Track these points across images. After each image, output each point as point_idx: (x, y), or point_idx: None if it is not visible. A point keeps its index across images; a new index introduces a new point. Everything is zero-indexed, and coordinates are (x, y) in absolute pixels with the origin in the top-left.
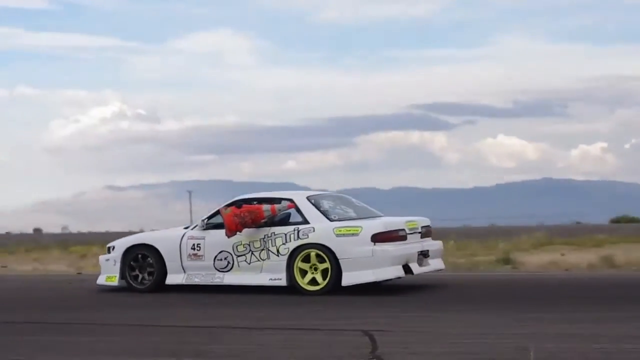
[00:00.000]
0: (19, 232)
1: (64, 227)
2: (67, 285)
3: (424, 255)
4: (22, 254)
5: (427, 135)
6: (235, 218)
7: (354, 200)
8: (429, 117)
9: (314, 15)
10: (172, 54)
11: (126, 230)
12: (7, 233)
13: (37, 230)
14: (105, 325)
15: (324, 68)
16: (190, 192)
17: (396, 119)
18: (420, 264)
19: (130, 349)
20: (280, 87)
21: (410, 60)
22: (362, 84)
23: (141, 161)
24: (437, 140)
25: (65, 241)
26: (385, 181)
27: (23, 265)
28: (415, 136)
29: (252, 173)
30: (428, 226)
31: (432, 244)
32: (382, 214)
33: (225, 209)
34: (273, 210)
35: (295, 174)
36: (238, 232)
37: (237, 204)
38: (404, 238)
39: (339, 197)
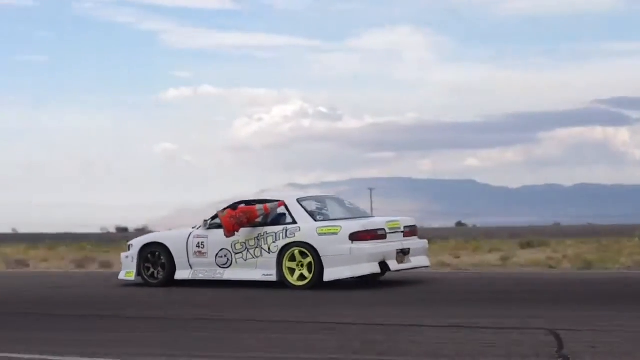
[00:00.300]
0: None
1: None
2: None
3: (403, 253)
4: None
5: (610, 130)
6: (232, 219)
7: (346, 202)
8: (612, 112)
9: (492, 9)
10: (351, 51)
11: None
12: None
13: None
14: (272, 322)
15: (501, 63)
16: (371, 190)
17: (578, 115)
18: (399, 261)
19: (311, 347)
20: (459, 83)
21: (593, 54)
22: (542, 78)
23: (322, 159)
24: (621, 135)
25: None
26: (567, 178)
27: None
28: (598, 132)
29: (432, 170)
30: (412, 226)
31: (415, 243)
32: (371, 215)
33: (222, 212)
34: (266, 209)
35: (475, 170)
36: (236, 232)
37: (234, 206)
38: (383, 237)
39: (331, 199)
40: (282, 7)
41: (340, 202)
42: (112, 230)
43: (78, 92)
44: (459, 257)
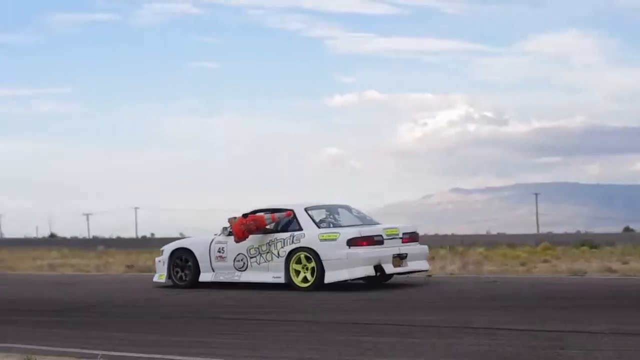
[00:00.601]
0: None
1: None
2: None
3: (400, 257)
4: None
5: None
6: (242, 226)
7: (353, 211)
8: None
9: None
10: (518, 55)
11: (472, 233)
12: None
13: None
14: (418, 327)
15: None
16: (536, 195)
17: None
18: (395, 265)
19: (469, 354)
20: (629, 86)
21: None
22: None
23: (487, 164)
24: None
25: None
26: None
27: None
28: None
29: (600, 175)
30: (413, 232)
31: (413, 248)
32: (377, 223)
33: (234, 219)
34: (273, 218)
35: None
36: (246, 239)
37: (245, 215)
38: (379, 243)
39: (339, 208)
40: (447, 12)
41: (348, 210)
42: None
43: (245, 98)
44: (626, 263)
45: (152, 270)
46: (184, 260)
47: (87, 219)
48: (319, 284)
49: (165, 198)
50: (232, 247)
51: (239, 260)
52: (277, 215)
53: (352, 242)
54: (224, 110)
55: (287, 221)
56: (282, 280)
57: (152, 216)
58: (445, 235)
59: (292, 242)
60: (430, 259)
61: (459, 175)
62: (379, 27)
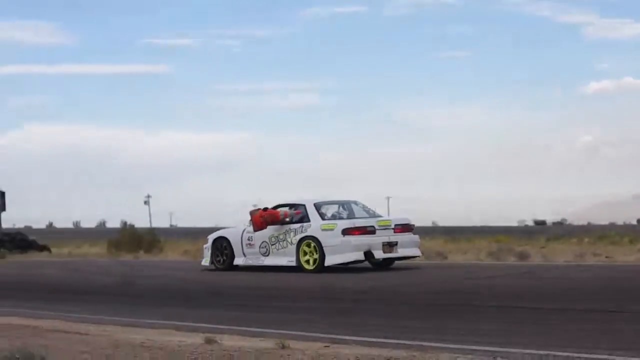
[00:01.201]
0: (622, 223)
1: None
2: None
3: (390, 245)
4: (626, 245)
5: None
6: (261, 218)
7: (359, 205)
8: None
9: None
10: None
11: None
12: (611, 223)
13: None
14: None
15: None
16: None
17: None
18: (385, 252)
19: None
20: None
21: None
22: None
23: None
24: None
25: None
26: None
27: (626, 256)
28: None
29: None
30: (405, 224)
31: (404, 237)
32: (380, 216)
33: (255, 211)
34: (286, 214)
35: None
36: (262, 229)
37: (264, 209)
38: (372, 232)
39: (346, 203)
40: None
41: (355, 205)
42: (530, 223)
43: (495, 87)
44: None
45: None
46: (222, 247)
47: None
48: (321, 267)
49: (416, 189)
50: (258, 235)
51: (263, 247)
52: (289, 211)
53: (346, 232)
54: (472, 100)
55: (301, 215)
56: (294, 263)
57: (402, 205)
58: None
59: (302, 231)
60: None
61: None
62: (637, 12)
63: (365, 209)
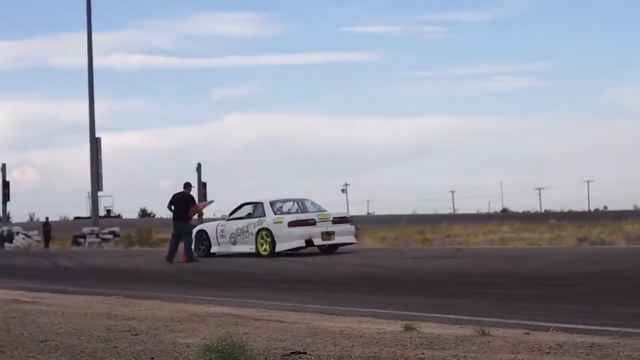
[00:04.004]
0: None
1: None
2: None
3: (328, 234)
4: None
5: None
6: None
7: (308, 202)
8: None
9: None
10: None
11: None
12: None
13: None
14: None
15: None
16: None
17: None
18: (323, 239)
19: None
20: None
21: None
22: None
23: None
24: None
25: None
26: None
27: None
28: None
29: None
30: (342, 217)
31: (341, 227)
32: (325, 210)
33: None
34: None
35: None
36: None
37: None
38: (312, 224)
39: (299, 200)
40: None
41: (304, 203)
42: None
43: None
44: None
45: (605, 243)
46: (202, 238)
47: (539, 193)
48: (272, 253)
49: (619, 171)
50: (228, 228)
51: (232, 238)
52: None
53: (292, 224)
54: None
55: (261, 210)
56: (253, 250)
57: (605, 189)
58: None
59: (259, 224)
60: None
61: None
62: None
63: (314, 205)
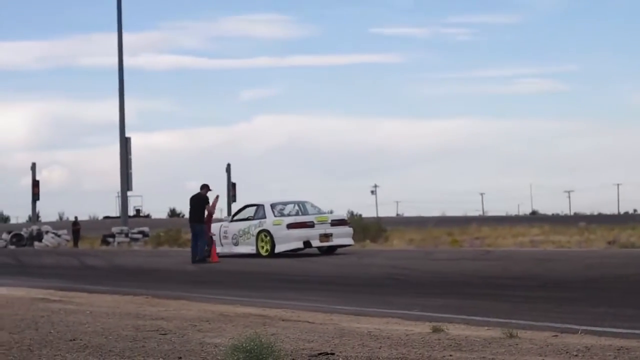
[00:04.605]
0: None
1: None
2: None
3: (326, 236)
4: None
5: None
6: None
7: (308, 204)
8: None
9: None
10: None
11: None
12: None
13: None
14: None
15: None
16: None
17: None
18: (322, 241)
19: None
20: None
21: None
22: None
23: None
24: None
25: None
26: None
27: None
28: None
29: None
30: (340, 219)
31: (339, 229)
32: (325, 212)
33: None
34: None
35: None
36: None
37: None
38: (311, 226)
39: (300, 203)
40: None
41: (304, 205)
42: None
43: None
44: None
45: (635, 246)
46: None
47: (569, 196)
48: (272, 254)
49: None
50: (231, 229)
51: (234, 239)
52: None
53: (291, 226)
54: None
55: (262, 212)
56: (254, 251)
57: (635, 192)
58: None
59: (260, 226)
60: None
61: None
62: None
63: (314, 207)
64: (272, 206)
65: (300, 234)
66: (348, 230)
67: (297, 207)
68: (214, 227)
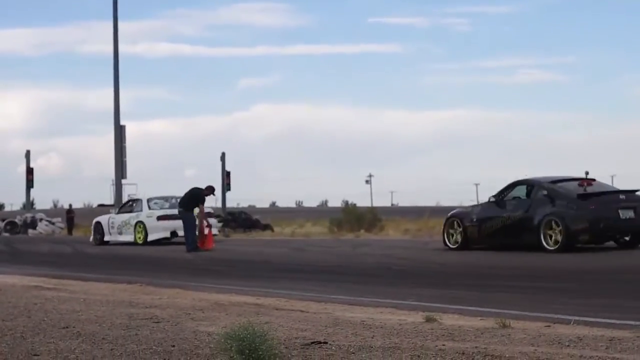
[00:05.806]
0: None
1: None
2: None
3: None
4: None
5: None
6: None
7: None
8: None
9: None
10: None
11: None
12: None
13: None
14: None
15: None
16: None
17: None
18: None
19: None
20: None
21: None
22: None
23: None
24: None
25: None
26: None
27: None
28: None
29: None
30: (208, 212)
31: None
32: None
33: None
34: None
35: None
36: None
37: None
38: (178, 218)
39: (174, 198)
40: None
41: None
42: None
43: None
44: None
45: None
46: (98, 228)
47: None
48: (146, 242)
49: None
50: (117, 220)
51: (118, 229)
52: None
53: (160, 218)
54: None
55: (140, 206)
56: (132, 239)
57: (629, 183)
58: None
59: (137, 218)
60: None
61: None
62: None
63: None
64: (148, 200)
65: (167, 225)
66: (213, 222)
67: (169, 202)
68: (104, 219)
